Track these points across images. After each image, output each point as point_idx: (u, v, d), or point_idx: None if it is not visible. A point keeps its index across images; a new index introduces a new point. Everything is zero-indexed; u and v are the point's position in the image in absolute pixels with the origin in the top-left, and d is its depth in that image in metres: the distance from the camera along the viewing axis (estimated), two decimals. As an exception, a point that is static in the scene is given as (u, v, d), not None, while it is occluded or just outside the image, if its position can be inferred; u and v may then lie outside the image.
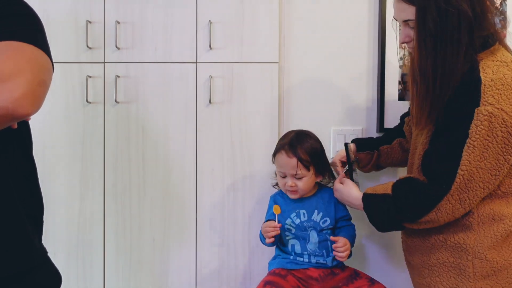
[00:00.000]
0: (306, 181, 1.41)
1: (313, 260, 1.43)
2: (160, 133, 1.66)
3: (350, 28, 1.70)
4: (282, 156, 1.41)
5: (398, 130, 1.55)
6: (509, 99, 1.07)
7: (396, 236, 1.71)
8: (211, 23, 1.63)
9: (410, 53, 1.26)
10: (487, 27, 1.14)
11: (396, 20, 1.24)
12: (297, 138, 1.43)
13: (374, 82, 1.70)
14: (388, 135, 1.56)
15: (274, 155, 1.46)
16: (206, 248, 1.67)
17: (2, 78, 0.72)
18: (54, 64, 1.63)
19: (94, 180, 1.67)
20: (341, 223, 1.47)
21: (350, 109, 1.70)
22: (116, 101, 1.65)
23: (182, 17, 1.65)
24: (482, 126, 1.07)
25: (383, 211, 1.22)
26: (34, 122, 1.66)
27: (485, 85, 1.08)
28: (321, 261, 1.43)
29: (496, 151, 1.08)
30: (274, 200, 1.52)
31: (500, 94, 1.07)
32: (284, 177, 1.43)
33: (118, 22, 1.64)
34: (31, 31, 0.83)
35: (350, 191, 1.36)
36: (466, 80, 1.11)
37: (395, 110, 1.67)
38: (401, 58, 1.67)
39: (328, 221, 1.43)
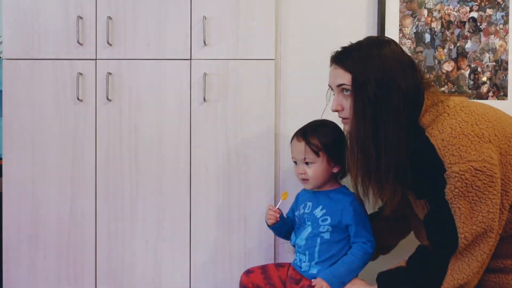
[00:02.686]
0: (316, 169, 1.32)
1: (313, 270, 1.32)
2: (153, 131, 1.62)
3: (348, 24, 1.66)
4: (293, 142, 1.37)
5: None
6: (469, 148, 1.03)
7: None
8: (205, 18, 1.59)
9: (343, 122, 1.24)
10: (421, 99, 1.13)
11: (331, 88, 1.23)
12: (311, 124, 1.38)
13: (373, 79, 1.66)
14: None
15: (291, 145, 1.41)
16: (201, 250, 1.63)
17: None
18: (44, 60, 1.62)
19: (86, 180, 1.63)
20: (354, 238, 1.31)
21: (349, 107, 1.66)
22: (107, 98, 1.61)
23: (175, 13, 1.61)
24: (457, 186, 1.03)
25: (401, 284, 1.15)
26: (24, 121, 1.63)
27: (439, 148, 1.05)
28: (309, 270, 1.33)
29: (485, 196, 1.03)
30: (297, 194, 1.47)
31: (458, 149, 1.03)
32: (296, 164, 1.37)
33: (110, 18, 1.61)
34: None
35: (360, 284, 1.26)
36: (420, 152, 1.09)
37: (395, 108, 1.63)
38: (400, 55, 1.63)
39: (328, 221, 1.31)
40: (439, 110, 1.11)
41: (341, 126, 1.33)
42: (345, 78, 1.13)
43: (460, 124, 1.06)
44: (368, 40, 1.20)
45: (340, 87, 1.16)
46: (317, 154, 1.31)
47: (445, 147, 1.04)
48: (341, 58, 1.16)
